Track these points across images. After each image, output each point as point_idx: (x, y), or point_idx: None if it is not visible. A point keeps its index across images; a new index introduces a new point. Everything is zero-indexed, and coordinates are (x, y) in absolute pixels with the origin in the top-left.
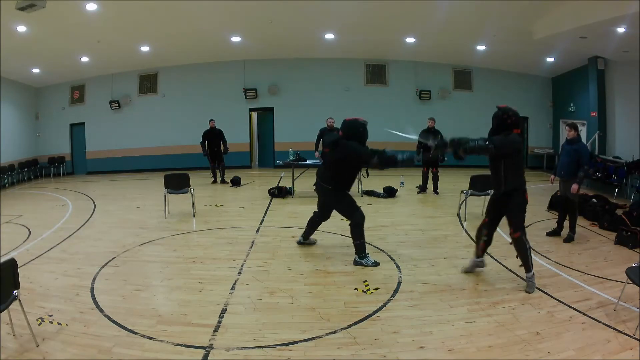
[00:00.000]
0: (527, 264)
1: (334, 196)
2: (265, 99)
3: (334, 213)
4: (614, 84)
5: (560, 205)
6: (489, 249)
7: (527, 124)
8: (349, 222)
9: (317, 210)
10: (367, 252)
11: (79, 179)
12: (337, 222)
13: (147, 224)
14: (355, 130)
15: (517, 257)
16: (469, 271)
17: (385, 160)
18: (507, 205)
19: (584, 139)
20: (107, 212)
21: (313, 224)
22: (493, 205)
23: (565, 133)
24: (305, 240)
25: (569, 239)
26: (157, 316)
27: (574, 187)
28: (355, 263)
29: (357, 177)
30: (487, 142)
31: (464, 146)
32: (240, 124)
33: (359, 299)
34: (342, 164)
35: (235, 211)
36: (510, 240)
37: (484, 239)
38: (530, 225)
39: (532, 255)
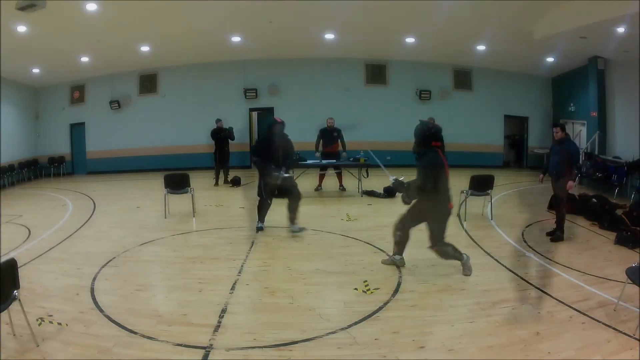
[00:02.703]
0: (456, 257)
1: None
2: (265, 99)
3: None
4: (614, 84)
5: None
6: (489, 249)
7: (527, 124)
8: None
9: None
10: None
11: (79, 179)
12: (337, 222)
13: (147, 224)
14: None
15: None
16: (385, 263)
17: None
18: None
19: (583, 139)
20: (107, 212)
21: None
22: (412, 210)
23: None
24: (293, 223)
25: (557, 239)
26: (157, 316)
27: (570, 184)
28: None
29: (357, 177)
30: (417, 186)
31: (404, 189)
32: (240, 124)
33: (359, 299)
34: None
35: (235, 211)
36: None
37: (399, 235)
38: (530, 225)
39: (532, 255)
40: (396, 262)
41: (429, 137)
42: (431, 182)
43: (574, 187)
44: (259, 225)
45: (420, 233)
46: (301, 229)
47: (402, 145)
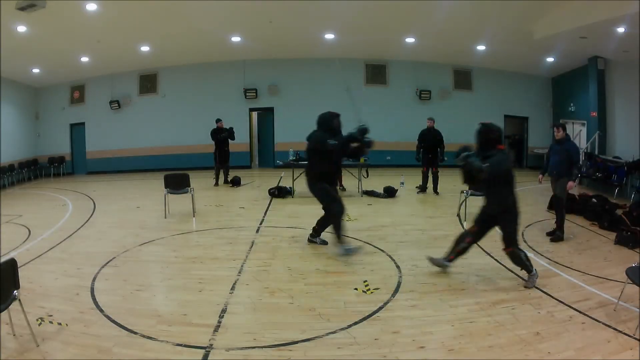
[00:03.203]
0: (526, 268)
1: (309, 187)
2: (265, 99)
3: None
4: (614, 84)
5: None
6: (489, 249)
7: (527, 124)
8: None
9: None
10: (343, 241)
11: (79, 179)
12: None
13: (147, 224)
14: (326, 120)
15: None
16: (433, 264)
17: (344, 143)
18: (499, 222)
19: (583, 139)
20: (107, 212)
21: (323, 222)
22: (482, 217)
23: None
24: (313, 238)
25: (557, 239)
26: (157, 316)
27: (570, 184)
28: (339, 253)
29: (357, 177)
30: (481, 165)
31: (464, 156)
32: (240, 124)
33: (359, 299)
34: (311, 154)
35: (235, 211)
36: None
37: (464, 245)
38: (530, 225)
39: (532, 255)
40: (443, 266)
41: (494, 139)
42: (504, 183)
43: (574, 187)
44: (351, 246)
45: (420, 233)
46: (351, 249)
47: (402, 145)
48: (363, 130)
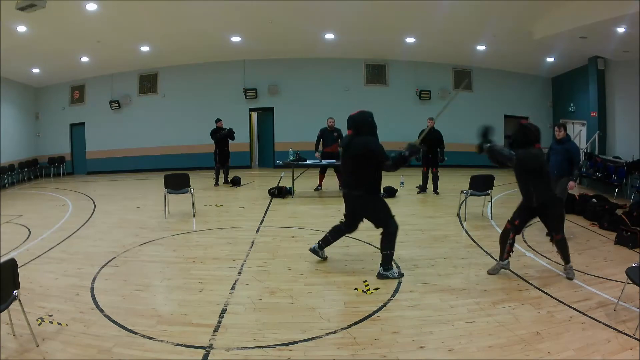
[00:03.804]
0: (566, 258)
1: (365, 202)
2: (265, 99)
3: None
4: (614, 84)
5: None
6: (489, 249)
7: None
8: (380, 230)
9: (343, 219)
10: (392, 264)
11: (79, 179)
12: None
13: (147, 224)
14: (365, 121)
15: (557, 253)
16: (492, 273)
17: (396, 161)
18: (544, 215)
19: (583, 139)
20: (107, 212)
21: (337, 233)
22: (523, 212)
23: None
24: (320, 249)
25: None
26: (157, 316)
27: (571, 184)
28: (380, 276)
29: None
30: (510, 152)
31: (491, 143)
32: (240, 124)
33: (359, 299)
34: (364, 162)
35: (235, 211)
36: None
37: (510, 242)
38: (530, 225)
39: (532, 255)
40: (505, 267)
41: (532, 140)
42: (539, 175)
43: (574, 187)
44: (397, 269)
45: (420, 233)
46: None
47: (402, 145)
48: (414, 152)
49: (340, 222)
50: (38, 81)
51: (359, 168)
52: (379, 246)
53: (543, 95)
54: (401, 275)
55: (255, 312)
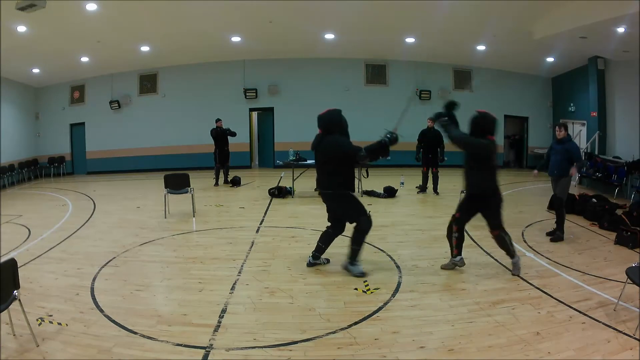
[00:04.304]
0: (509, 252)
1: (336, 199)
2: (265, 99)
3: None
4: (614, 84)
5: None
6: (489, 249)
7: (527, 124)
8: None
9: (329, 223)
10: (358, 261)
11: (79, 179)
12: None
13: (147, 224)
14: (334, 120)
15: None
16: (446, 268)
17: (372, 149)
18: (483, 209)
19: (583, 139)
20: (107, 212)
21: (327, 238)
22: (464, 203)
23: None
24: (316, 260)
25: (557, 239)
26: (157, 316)
27: (573, 170)
28: (344, 267)
29: (357, 177)
30: (461, 135)
31: (443, 118)
32: (240, 124)
33: (359, 299)
34: (334, 162)
35: (235, 211)
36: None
37: (455, 235)
38: (530, 225)
39: (532, 255)
40: (457, 264)
41: (486, 129)
42: (484, 167)
43: (574, 187)
44: (361, 267)
45: (420, 233)
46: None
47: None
48: (394, 140)
49: (327, 227)
50: (38, 81)
51: (330, 167)
52: (378, 246)
53: (543, 95)
54: (362, 274)
55: (255, 312)
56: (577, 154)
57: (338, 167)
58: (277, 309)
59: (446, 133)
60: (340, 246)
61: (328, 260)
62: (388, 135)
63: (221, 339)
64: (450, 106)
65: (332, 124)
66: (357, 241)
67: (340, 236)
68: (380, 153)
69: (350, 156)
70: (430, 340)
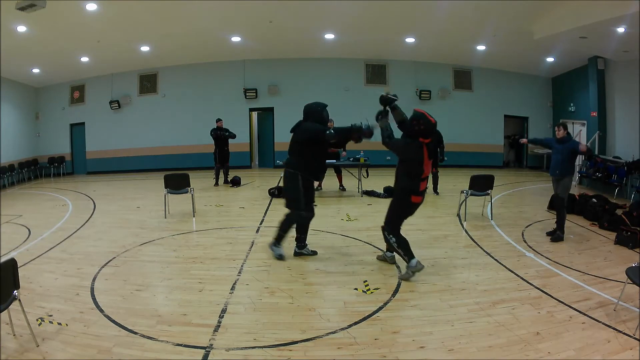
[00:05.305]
0: (402, 256)
1: (286, 179)
2: (265, 99)
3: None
4: (614, 84)
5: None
6: (489, 249)
7: (527, 124)
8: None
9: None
10: (280, 245)
11: (79, 179)
12: (337, 222)
13: (147, 224)
14: (313, 110)
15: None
16: (380, 259)
17: (340, 130)
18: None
19: (583, 138)
20: (107, 212)
21: (301, 226)
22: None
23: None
24: (301, 249)
25: (557, 239)
26: (157, 316)
27: (582, 145)
28: (269, 246)
29: (357, 177)
30: (388, 136)
31: (381, 120)
32: (240, 124)
33: (359, 299)
34: (301, 144)
35: (235, 211)
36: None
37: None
38: (530, 225)
39: (532, 255)
40: (413, 270)
41: (418, 131)
42: (401, 153)
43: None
44: (280, 250)
45: (420, 233)
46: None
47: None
48: (367, 131)
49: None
50: (38, 81)
51: (295, 148)
52: (378, 246)
53: (543, 95)
54: (281, 257)
55: (255, 312)
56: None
57: (303, 149)
58: (277, 309)
59: (382, 133)
60: (339, 246)
61: (315, 252)
62: (363, 123)
63: (221, 339)
64: (385, 102)
65: (311, 112)
66: (283, 227)
67: (340, 236)
68: (348, 136)
69: (319, 136)
70: (430, 340)
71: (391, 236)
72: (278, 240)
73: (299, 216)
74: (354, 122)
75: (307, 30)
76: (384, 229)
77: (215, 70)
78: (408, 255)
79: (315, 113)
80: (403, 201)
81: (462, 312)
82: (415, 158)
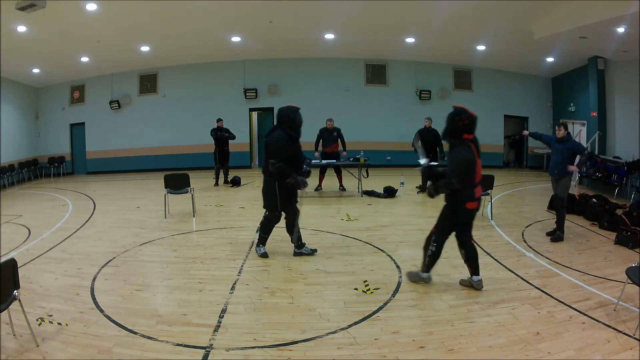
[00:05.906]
0: (424, 263)
1: (264, 184)
2: (265, 99)
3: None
4: (614, 84)
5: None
6: (489, 249)
7: (527, 124)
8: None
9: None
10: (262, 246)
11: (79, 179)
12: (337, 222)
13: (147, 224)
14: (285, 116)
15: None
16: (464, 284)
17: (281, 168)
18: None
19: (583, 139)
20: (107, 212)
21: (288, 225)
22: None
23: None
24: (300, 248)
25: (557, 239)
26: (157, 316)
27: (573, 167)
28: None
29: (357, 177)
30: (449, 182)
31: (436, 189)
32: (240, 124)
33: (359, 299)
34: (268, 152)
35: (235, 211)
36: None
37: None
38: (530, 225)
39: (532, 255)
40: (426, 280)
41: (461, 127)
42: (465, 172)
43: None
44: (263, 250)
45: (420, 233)
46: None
47: (402, 145)
48: (303, 184)
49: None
50: (38, 81)
51: (268, 155)
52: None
53: (543, 95)
54: (264, 255)
55: (255, 312)
56: (579, 147)
57: (271, 158)
58: (277, 309)
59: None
60: (339, 246)
61: (315, 250)
62: (306, 169)
63: (221, 339)
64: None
65: (283, 118)
66: (262, 229)
67: (340, 236)
68: (285, 177)
69: (271, 156)
70: (430, 340)
71: (435, 244)
72: (260, 241)
73: (275, 216)
74: (305, 167)
75: (307, 30)
76: (432, 234)
77: (215, 70)
78: (429, 268)
79: (287, 118)
80: (456, 209)
81: (462, 312)
82: (472, 164)
